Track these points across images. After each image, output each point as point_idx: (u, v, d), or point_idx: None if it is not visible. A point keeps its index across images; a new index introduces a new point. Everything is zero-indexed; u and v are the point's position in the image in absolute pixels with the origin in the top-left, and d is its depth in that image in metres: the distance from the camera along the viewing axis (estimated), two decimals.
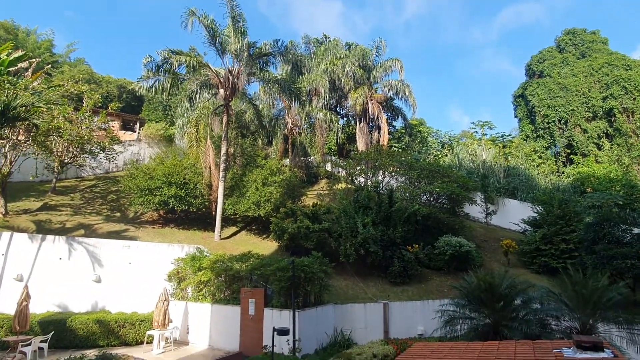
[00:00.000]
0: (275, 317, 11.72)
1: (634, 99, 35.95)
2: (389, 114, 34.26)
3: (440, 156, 36.03)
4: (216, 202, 19.65)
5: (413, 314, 13.93)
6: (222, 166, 19.61)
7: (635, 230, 15.32)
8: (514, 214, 22.27)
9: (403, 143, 36.18)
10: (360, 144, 30.56)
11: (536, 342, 7.18)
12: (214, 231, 19.34)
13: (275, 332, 7.92)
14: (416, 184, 21.92)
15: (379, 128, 32.11)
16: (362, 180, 24.28)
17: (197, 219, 21.27)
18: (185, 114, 21.49)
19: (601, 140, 36.90)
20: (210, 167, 19.85)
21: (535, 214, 19.50)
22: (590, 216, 17.38)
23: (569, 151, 38.27)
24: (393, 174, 23.36)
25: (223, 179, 19.45)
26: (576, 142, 37.59)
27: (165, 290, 12.98)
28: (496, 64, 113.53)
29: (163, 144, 30.21)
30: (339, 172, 29.11)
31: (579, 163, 36.31)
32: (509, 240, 18.45)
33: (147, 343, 12.77)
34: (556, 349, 6.30)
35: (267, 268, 12.95)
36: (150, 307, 13.39)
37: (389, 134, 33.17)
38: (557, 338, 8.48)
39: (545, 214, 18.57)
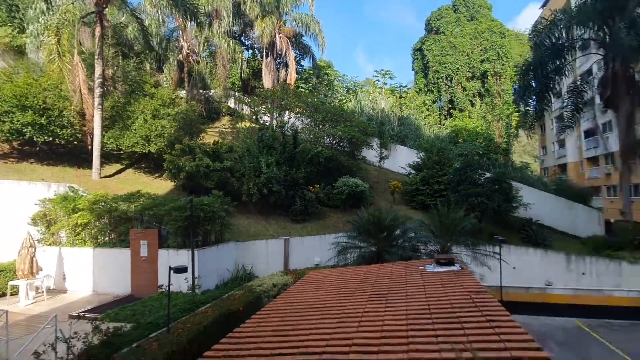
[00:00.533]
0: (172, 257, 11.37)
1: (503, 64, 42.65)
2: (298, 52, 33.21)
3: (344, 101, 37.40)
4: (92, 134, 16.84)
5: (311, 248, 15.27)
6: (97, 91, 16.54)
7: (487, 175, 19.21)
8: (403, 159, 25.28)
9: (310, 84, 36.09)
10: (267, 81, 29.30)
11: (408, 262, 8.79)
12: (91, 168, 16.82)
13: (172, 271, 7.74)
14: (321, 126, 22.59)
15: (286, 66, 31.05)
16: (268, 119, 23.78)
17: (68, 153, 18.04)
18: (40, 19, 16.81)
19: (475, 98, 43.47)
20: (81, 91, 16.53)
21: (418, 160, 22.52)
22: (458, 162, 20.99)
23: (450, 106, 44.18)
24: (299, 115, 23.45)
25: (100, 106, 16.55)
26: (457, 99, 43.46)
27: (30, 236, 11.10)
28: (402, 15, 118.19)
29: (10, 55, 23.42)
30: (242, 109, 27.77)
31: (456, 117, 42.47)
32: (396, 182, 21.14)
33: (12, 294, 11.09)
34: (422, 266, 7.84)
35: (160, 208, 12.16)
36: (12, 255, 11.43)
37: (297, 73, 32.51)
38: (424, 259, 10.49)
39: (426, 160, 21.62)
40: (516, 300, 12.81)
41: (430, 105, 44.50)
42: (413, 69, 49.53)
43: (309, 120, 23.25)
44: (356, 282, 7.18)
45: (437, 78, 44.36)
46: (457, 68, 43.45)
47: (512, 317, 4.31)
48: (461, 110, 43.07)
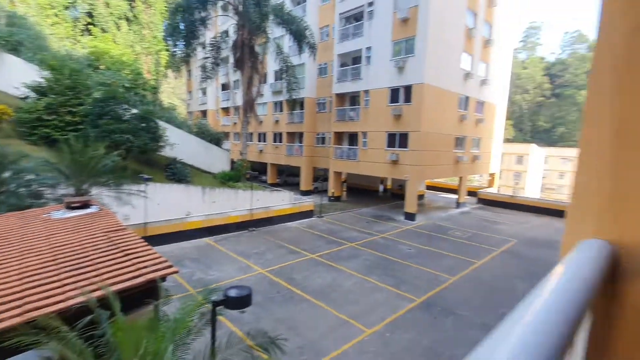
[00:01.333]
0: None
1: None
2: None
3: None
4: None
5: None
6: None
7: (134, 111, 18.61)
8: (15, 75, 18.95)
9: None
10: None
11: (26, 211, 7.08)
12: None
13: None
14: None
15: None
16: None
17: None
18: None
19: (121, 21, 39.55)
20: None
21: (42, 80, 17.75)
22: (99, 92, 18.67)
23: (90, 21, 37.61)
24: None
25: None
26: (98, 14, 37.52)
27: None
28: None
29: None
30: None
31: (97, 37, 36.89)
32: (4, 106, 15.77)
33: None
34: (46, 214, 6.61)
35: None
36: None
37: None
38: (52, 205, 8.84)
39: (53, 82, 17.44)
40: (161, 233, 13.96)
41: (60, 11, 35.52)
42: None
43: None
44: None
45: None
46: None
47: (150, 247, 4.66)
48: (104, 31, 37.91)
